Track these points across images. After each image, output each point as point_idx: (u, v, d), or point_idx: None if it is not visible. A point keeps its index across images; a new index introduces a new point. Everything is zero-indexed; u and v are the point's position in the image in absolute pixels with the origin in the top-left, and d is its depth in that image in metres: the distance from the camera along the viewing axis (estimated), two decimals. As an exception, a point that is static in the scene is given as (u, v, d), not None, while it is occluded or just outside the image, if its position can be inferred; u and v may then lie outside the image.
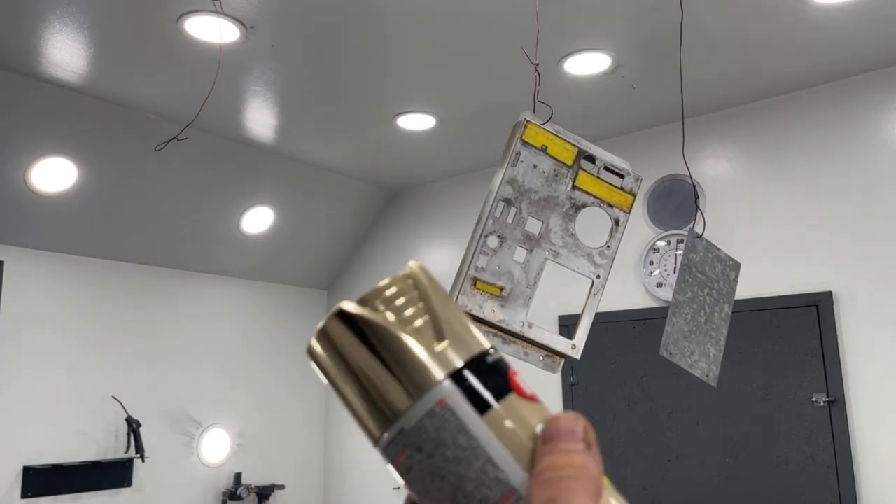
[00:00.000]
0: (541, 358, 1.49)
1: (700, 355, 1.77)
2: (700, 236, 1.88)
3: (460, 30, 2.56)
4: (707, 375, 1.76)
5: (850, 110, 3.03)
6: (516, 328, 1.44)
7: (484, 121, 3.42)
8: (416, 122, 3.41)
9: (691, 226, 1.90)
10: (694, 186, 1.98)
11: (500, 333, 1.45)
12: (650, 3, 2.39)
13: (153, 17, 2.44)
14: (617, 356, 3.48)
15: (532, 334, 1.46)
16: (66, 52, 2.68)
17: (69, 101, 3.04)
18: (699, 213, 1.98)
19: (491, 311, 1.41)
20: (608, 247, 1.54)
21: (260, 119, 3.36)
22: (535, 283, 1.46)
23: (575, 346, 1.49)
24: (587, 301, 1.52)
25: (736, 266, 1.94)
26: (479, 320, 1.42)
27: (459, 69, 2.87)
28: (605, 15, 2.47)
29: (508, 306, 1.43)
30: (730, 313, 1.87)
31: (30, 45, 2.61)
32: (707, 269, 1.87)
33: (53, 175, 3.20)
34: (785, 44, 2.72)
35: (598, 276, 1.52)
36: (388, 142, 3.70)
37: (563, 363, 1.52)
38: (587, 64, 2.83)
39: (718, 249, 1.91)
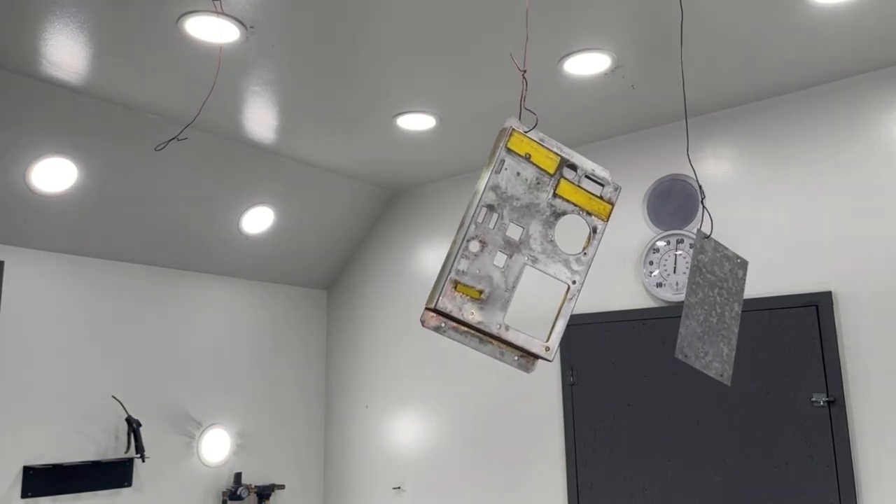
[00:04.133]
0: (516, 358, 1.56)
1: (714, 356, 1.79)
2: (708, 236, 1.89)
3: (460, 30, 2.56)
4: (721, 375, 1.78)
5: (850, 110, 3.03)
6: (493, 330, 1.49)
7: (484, 121, 3.42)
8: (416, 122, 3.41)
9: (699, 227, 1.91)
10: (700, 187, 1.99)
11: (477, 334, 1.50)
12: (650, 3, 2.39)
13: (153, 17, 2.44)
14: (617, 356, 3.48)
15: (508, 336, 1.51)
16: (66, 52, 2.68)
17: (69, 101, 3.04)
18: (705, 213, 1.99)
19: (470, 313, 1.46)
20: (585, 253, 1.60)
21: (260, 119, 3.36)
22: (514, 287, 1.51)
23: (549, 349, 1.55)
24: (562, 305, 1.58)
25: (743, 264, 1.95)
26: (457, 321, 1.46)
27: (459, 69, 2.87)
28: (604, 15, 2.47)
29: (487, 309, 1.48)
30: (740, 311, 1.88)
31: (30, 45, 2.61)
32: (716, 268, 1.88)
33: (53, 175, 3.20)
34: (785, 44, 2.72)
35: (574, 282, 1.58)
36: (388, 142, 3.70)
37: (536, 364, 1.58)
38: (587, 64, 2.83)
39: (726, 248, 1.92)
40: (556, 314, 1.56)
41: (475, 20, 2.50)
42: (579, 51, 2.72)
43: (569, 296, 1.56)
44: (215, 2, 2.29)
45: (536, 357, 1.55)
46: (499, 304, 1.49)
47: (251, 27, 2.51)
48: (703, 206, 2.00)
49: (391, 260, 4.56)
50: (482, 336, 1.50)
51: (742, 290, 1.93)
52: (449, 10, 2.43)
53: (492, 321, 1.48)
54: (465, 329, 1.48)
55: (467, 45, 2.68)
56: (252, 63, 2.79)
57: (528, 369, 1.56)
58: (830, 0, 2.41)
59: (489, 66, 2.84)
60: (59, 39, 2.58)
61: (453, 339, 1.48)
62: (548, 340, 1.55)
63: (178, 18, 2.44)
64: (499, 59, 2.79)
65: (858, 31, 2.64)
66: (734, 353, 1.83)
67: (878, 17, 2.55)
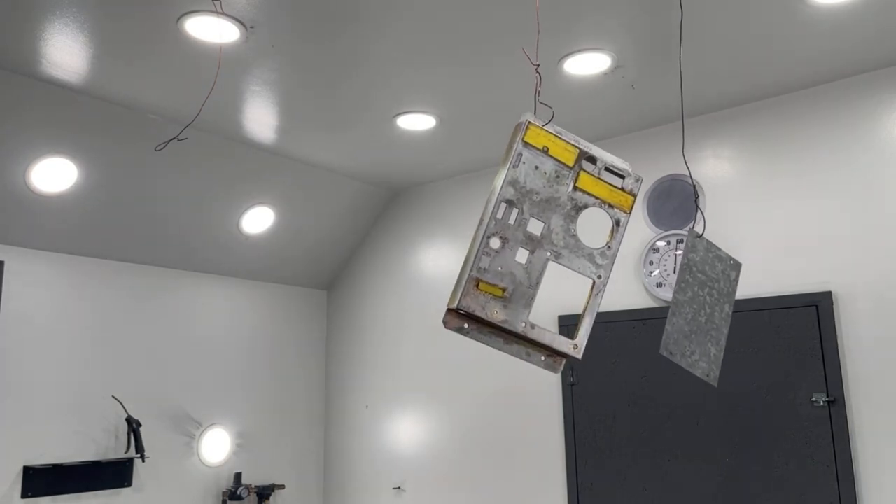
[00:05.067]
0: (542, 358, 1.49)
1: (700, 355, 1.77)
2: (700, 236, 1.88)
3: (460, 30, 2.56)
4: (707, 375, 1.76)
5: (850, 110, 3.03)
6: (519, 329, 1.43)
7: (484, 121, 3.42)
8: (416, 122, 3.41)
9: (691, 225, 1.90)
10: (694, 186, 1.99)
11: (502, 334, 1.44)
12: (650, 3, 2.39)
13: (153, 17, 2.44)
14: (617, 356, 3.48)
15: (534, 335, 1.45)
16: (66, 52, 2.68)
17: (69, 101, 3.04)
18: (699, 213, 1.98)
19: (493, 311, 1.41)
20: (609, 247, 1.54)
21: (260, 119, 3.36)
22: (537, 283, 1.45)
23: (577, 347, 1.49)
24: (588, 301, 1.51)
25: (736, 266, 1.94)
26: (481, 321, 1.41)
27: (459, 69, 2.87)
28: (605, 15, 2.47)
29: (511, 307, 1.43)
30: (730, 313, 1.87)
31: (30, 45, 2.61)
32: (707, 268, 1.87)
33: (53, 175, 3.20)
34: (785, 44, 2.72)
35: (600, 277, 1.52)
36: (388, 142, 3.70)
37: (564, 363, 1.52)
38: (587, 64, 2.83)
39: (719, 249, 1.91)
40: (582, 311, 1.51)
41: (475, 20, 2.50)
42: (579, 51, 2.72)
43: (595, 291, 1.51)
44: (215, 2, 2.29)
45: (564, 356, 1.50)
46: (523, 302, 1.44)
47: (251, 27, 2.51)
48: (697, 206, 1.99)
49: (391, 260, 4.56)
50: (507, 336, 1.45)
51: (734, 291, 1.91)
52: (449, 10, 2.43)
53: (516, 320, 1.43)
54: (489, 329, 1.43)
55: (467, 45, 2.68)
56: (252, 63, 2.79)
57: (555, 370, 1.50)
58: (830, 0, 2.41)
59: (489, 66, 2.84)
60: (59, 39, 2.58)
61: (477, 341, 1.42)
62: (575, 338, 1.50)
63: (178, 18, 2.44)
64: (499, 59, 2.79)
65: (858, 31, 2.64)
66: (722, 353, 1.81)
67: (878, 17, 2.54)
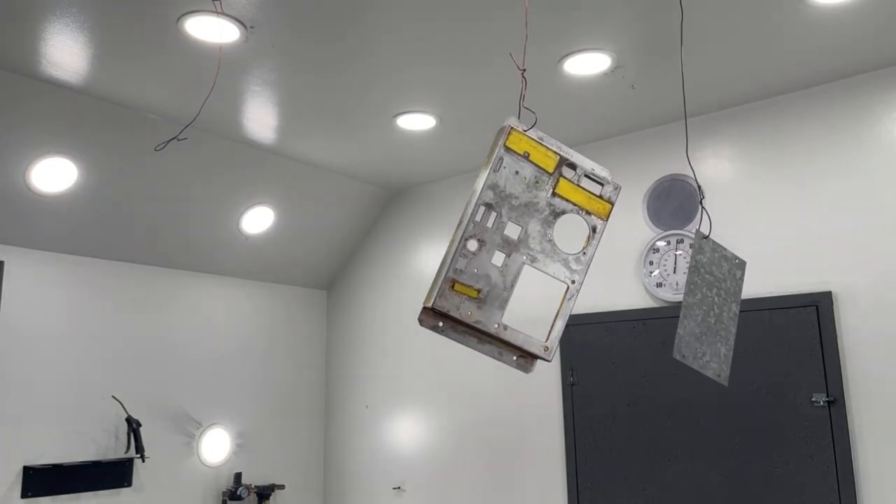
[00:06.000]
0: (514, 358, 1.54)
1: (711, 356, 1.78)
2: (706, 237, 1.88)
3: (460, 30, 2.56)
4: (719, 375, 1.77)
5: (850, 110, 3.03)
6: (491, 329, 1.48)
7: (484, 121, 3.42)
8: (416, 122, 3.41)
9: (697, 227, 1.91)
10: (699, 187, 1.99)
11: (475, 333, 1.48)
12: (650, 3, 2.39)
13: (153, 17, 2.44)
14: (617, 356, 3.48)
15: (507, 336, 1.50)
16: (66, 52, 2.68)
17: (69, 101, 3.04)
18: (704, 214, 1.98)
19: (467, 312, 1.45)
20: (584, 253, 1.59)
21: (260, 119, 3.36)
22: (512, 286, 1.50)
23: (547, 349, 1.54)
24: (561, 305, 1.57)
25: (742, 264, 1.95)
26: (455, 321, 1.45)
27: (459, 69, 2.87)
28: (604, 15, 2.47)
29: (485, 308, 1.47)
30: (738, 312, 1.88)
31: (30, 45, 2.61)
32: (714, 269, 1.88)
33: (53, 175, 3.20)
34: (785, 44, 2.73)
35: (574, 282, 1.57)
36: (388, 142, 3.70)
37: (535, 364, 1.56)
38: (587, 64, 2.83)
39: (724, 249, 1.92)
40: (555, 314, 1.56)
41: (475, 20, 2.50)
42: (579, 51, 2.72)
43: (567, 295, 1.56)
44: (215, 2, 2.29)
45: (535, 357, 1.54)
46: (497, 304, 1.48)
47: (251, 27, 2.51)
48: (702, 207, 2.00)
49: (391, 260, 4.56)
50: (480, 335, 1.48)
51: (740, 290, 1.93)
52: (449, 10, 2.43)
53: (490, 320, 1.47)
54: (463, 328, 1.47)
55: (467, 45, 2.68)
56: (252, 63, 2.79)
57: (526, 369, 1.55)
58: (830, 0, 2.41)
59: (489, 66, 2.84)
60: (59, 39, 2.58)
61: (451, 339, 1.46)
62: (547, 340, 1.54)
63: (178, 18, 2.44)
64: (499, 59, 2.79)
65: (858, 31, 2.64)
66: (732, 353, 1.83)
67: (878, 17, 2.54)
